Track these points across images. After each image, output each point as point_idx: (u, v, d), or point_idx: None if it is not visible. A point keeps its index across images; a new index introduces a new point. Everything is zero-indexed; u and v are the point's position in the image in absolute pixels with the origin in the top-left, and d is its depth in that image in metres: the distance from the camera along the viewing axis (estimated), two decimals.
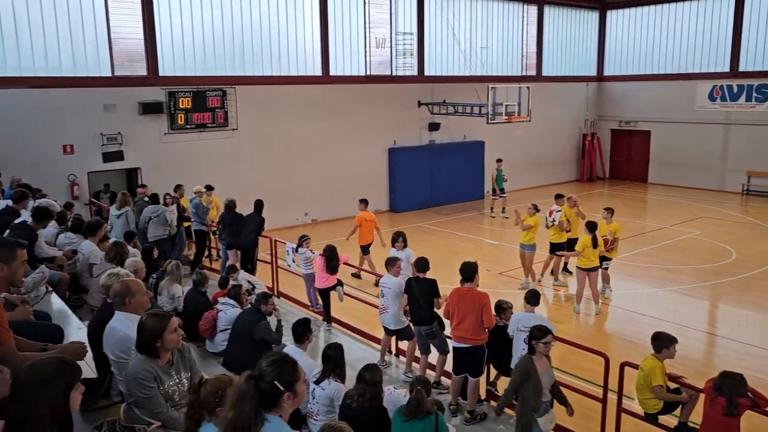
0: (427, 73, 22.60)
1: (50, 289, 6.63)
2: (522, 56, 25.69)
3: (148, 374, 3.80)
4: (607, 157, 28.53)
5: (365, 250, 13.44)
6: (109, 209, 12.86)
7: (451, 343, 7.49)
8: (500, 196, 20.34)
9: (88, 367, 4.66)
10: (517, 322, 7.20)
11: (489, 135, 23.51)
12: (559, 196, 13.42)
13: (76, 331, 5.46)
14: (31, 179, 11.97)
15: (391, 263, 8.25)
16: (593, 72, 28.36)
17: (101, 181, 16.72)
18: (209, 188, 14.15)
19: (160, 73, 16.68)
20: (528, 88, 20.55)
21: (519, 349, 7.10)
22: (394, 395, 5.68)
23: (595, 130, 28.19)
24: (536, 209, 12.82)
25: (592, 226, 11.42)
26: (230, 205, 12.37)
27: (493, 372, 7.95)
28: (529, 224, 12.64)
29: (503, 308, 7.39)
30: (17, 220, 7.39)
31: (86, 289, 7.81)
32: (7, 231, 7.10)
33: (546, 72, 26.51)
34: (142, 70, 16.38)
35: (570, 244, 12.81)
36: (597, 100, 28.37)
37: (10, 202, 8.12)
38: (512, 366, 7.19)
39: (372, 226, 13.42)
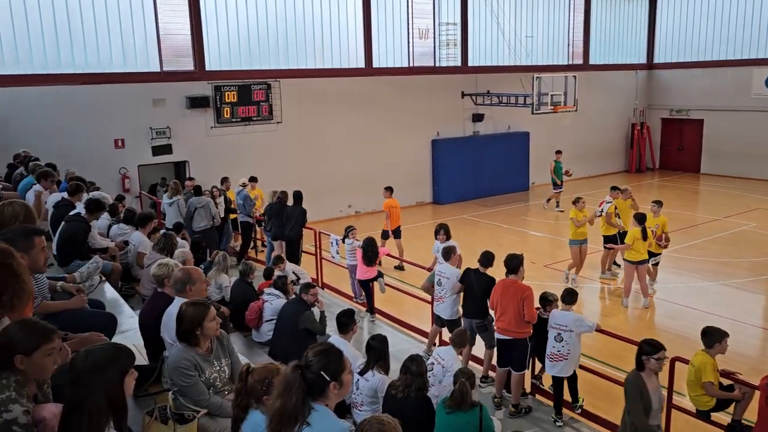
0: (470, 63, 22.38)
1: (104, 278, 6.84)
2: (568, 44, 25.18)
3: (188, 363, 3.88)
4: (657, 147, 27.75)
5: (397, 234, 13.81)
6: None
7: (495, 335, 7.44)
8: (555, 191, 19.56)
9: (140, 355, 4.80)
10: (551, 320, 7.09)
11: (534, 125, 23.16)
12: (614, 188, 12.96)
13: (128, 319, 5.62)
14: (85, 173, 12.36)
15: (451, 252, 8.19)
16: (643, 59, 27.58)
17: (151, 174, 17.14)
18: (253, 180, 14.37)
19: (207, 68, 16.99)
20: (574, 77, 20.14)
21: (549, 347, 7.02)
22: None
23: (645, 120, 27.44)
24: (574, 203, 12.44)
25: (641, 218, 11.13)
26: (276, 197, 12.53)
27: (539, 365, 7.85)
28: (574, 219, 12.29)
29: (549, 300, 7.28)
30: (72, 212, 7.63)
31: (137, 279, 8.04)
32: (63, 223, 7.35)
33: (593, 60, 25.92)
34: (189, 65, 16.71)
35: (622, 237, 12.51)
36: (647, 89, 27.58)
37: (65, 195, 8.39)
38: (545, 364, 7.13)
39: (398, 212, 14.00)
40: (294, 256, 12.05)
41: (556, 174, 19.48)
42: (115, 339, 4.72)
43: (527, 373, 7.50)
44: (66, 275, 6.07)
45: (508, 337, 7.14)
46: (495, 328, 7.35)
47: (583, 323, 7.00)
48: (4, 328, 2.83)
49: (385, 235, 13.73)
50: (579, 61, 25.37)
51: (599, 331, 7.22)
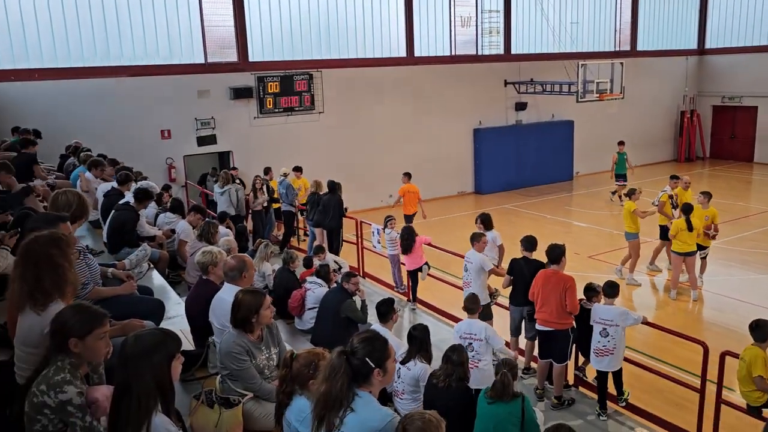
0: (513, 51, 22.07)
1: (152, 266, 7.01)
2: (615, 30, 24.56)
3: (241, 348, 3.97)
4: (708, 135, 26.89)
5: (409, 219, 13.83)
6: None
7: (536, 326, 7.36)
8: (619, 183, 18.38)
9: (186, 340, 4.93)
10: (593, 314, 6.96)
11: (578, 114, 22.72)
12: (674, 177, 12.43)
13: (175, 305, 5.76)
14: (132, 163, 12.67)
15: (476, 238, 8.18)
16: (693, 45, 26.71)
17: (196, 164, 17.46)
18: (297, 170, 14.51)
19: (250, 59, 17.19)
20: (621, 63, 19.66)
21: (595, 342, 6.89)
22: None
23: (695, 107, 26.59)
24: (628, 195, 12.07)
25: (687, 209, 10.80)
26: (319, 186, 12.64)
27: (582, 357, 7.74)
28: (638, 210, 11.90)
29: (596, 291, 7.13)
30: (121, 201, 7.84)
31: (183, 267, 8.23)
32: (113, 212, 7.56)
33: (641, 46, 25.22)
34: (233, 56, 16.93)
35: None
36: (697, 75, 26.72)
37: (114, 184, 8.63)
38: (591, 359, 7.02)
39: (415, 198, 14.08)
40: (334, 245, 12.14)
41: (619, 166, 18.43)
42: (163, 325, 4.85)
43: (570, 364, 7.40)
44: (116, 262, 6.25)
45: (549, 329, 7.05)
46: (535, 319, 7.27)
47: (628, 317, 6.86)
48: (58, 312, 2.94)
49: (408, 220, 13.73)
50: (626, 47, 24.73)
51: (646, 323, 7.07)
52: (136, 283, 5.30)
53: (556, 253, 7.05)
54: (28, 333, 3.19)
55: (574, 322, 7.08)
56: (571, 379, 7.59)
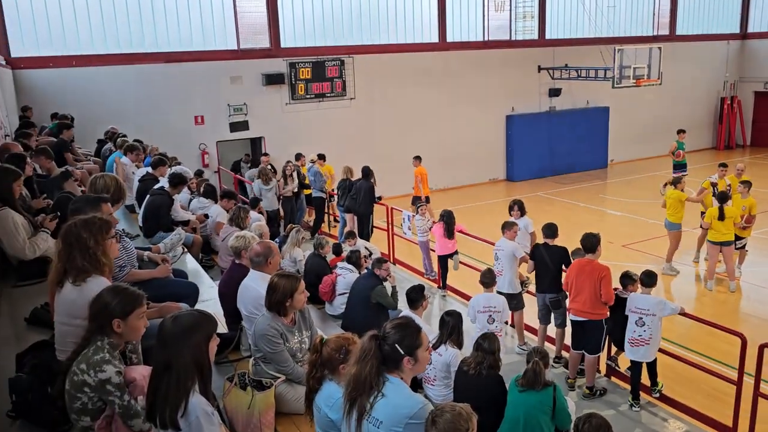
0: (548, 36, 21.72)
1: (186, 250, 7.13)
2: (653, 14, 23.98)
3: (275, 331, 4.02)
4: (749, 122, 26.15)
5: (428, 199, 14.02)
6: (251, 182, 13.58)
7: (568, 316, 7.29)
8: (676, 174, 15.84)
9: (219, 323, 5.00)
10: (629, 303, 6.85)
11: (614, 100, 22.30)
12: (722, 165, 12.09)
13: (209, 289, 5.85)
14: (167, 148, 12.88)
15: (508, 227, 8.15)
16: (735, 29, 25.93)
17: (229, 149, 17.64)
18: (321, 157, 14.57)
19: (282, 45, 17.25)
20: (659, 48, 19.21)
21: (630, 332, 6.79)
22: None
23: (736, 93, 25.87)
24: (673, 183, 11.65)
25: (722, 197, 10.54)
26: (350, 172, 12.67)
27: (615, 347, 7.65)
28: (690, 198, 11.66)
29: (632, 279, 7.01)
30: (156, 186, 7.98)
31: (216, 251, 8.35)
32: (147, 196, 7.70)
33: (680, 31, 24.59)
34: (265, 42, 17.02)
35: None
36: (739, 60, 25.95)
37: (150, 170, 8.77)
38: (625, 350, 6.91)
39: (425, 181, 14.55)
40: (364, 231, 12.17)
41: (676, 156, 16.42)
42: (197, 307, 4.93)
43: (602, 354, 7.32)
44: (151, 246, 6.38)
45: (582, 319, 6.98)
46: (568, 309, 7.19)
47: (666, 306, 6.75)
48: (98, 294, 3.02)
49: (415, 201, 13.69)
50: (665, 31, 24.14)
51: (683, 314, 6.95)
52: (171, 267, 5.39)
53: (592, 242, 6.96)
54: (69, 306, 3.30)
55: (608, 313, 6.99)
56: (603, 369, 7.51)
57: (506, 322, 8.81)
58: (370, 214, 12.44)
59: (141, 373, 2.98)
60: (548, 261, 7.65)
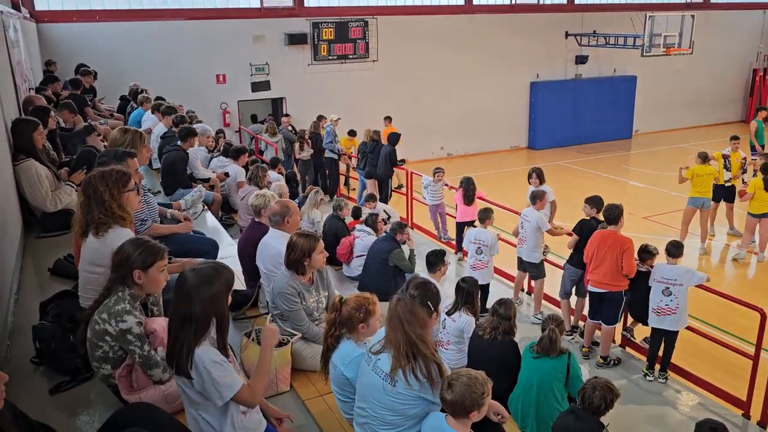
0: (577, 1, 21.20)
1: (206, 207, 7.18)
2: None
3: (293, 290, 4.06)
4: None
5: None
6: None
7: (587, 287, 7.26)
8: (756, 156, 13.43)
9: (238, 280, 5.06)
10: (655, 273, 6.79)
11: (642, 69, 21.81)
12: (734, 138, 11.87)
13: (228, 247, 5.91)
14: (188, 106, 12.89)
15: (538, 196, 8.05)
16: None
17: (250, 109, 17.60)
18: (351, 134, 14.53)
19: (305, 4, 17.04)
20: (692, 16, 18.67)
21: (656, 301, 6.73)
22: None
23: None
24: (706, 158, 11.12)
25: (765, 168, 10.35)
26: (372, 136, 12.60)
27: (631, 318, 7.62)
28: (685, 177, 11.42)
29: (651, 253, 6.95)
30: (171, 144, 7.95)
31: (236, 210, 8.40)
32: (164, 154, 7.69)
33: None
34: (288, 1, 16.80)
35: (727, 192, 11.72)
36: None
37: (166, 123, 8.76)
38: (649, 320, 6.86)
39: None
40: (382, 195, 12.16)
41: (757, 137, 14.82)
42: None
43: (618, 325, 7.31)
44: (172, 203, 6.43)
45: (602, 290, 6.94)
46: (587, 279, 7.15)
47: (694, 275, 6.69)
48: (119, 246, 3.06)
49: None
50: None
51: (701, 287, 6.88)
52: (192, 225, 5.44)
53: (615, 214, 6.88)
54: (92, 255, 3.37)
55: (627, 285, 6.94)
56: (618, 340, 7.51)
57: (523, 290, 8.84)
58: (389, 178, 12.41)
59: (161, 324, 3.03)
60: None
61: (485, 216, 8.11)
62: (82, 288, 3.47)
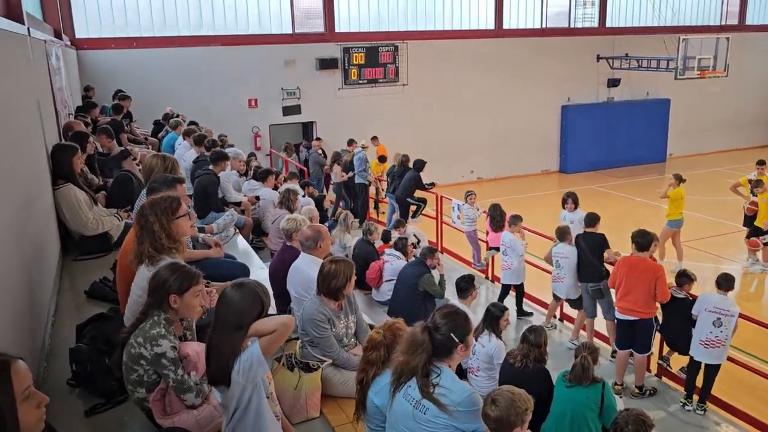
0: (608, 24, 21.16)
1: (237, 231, 7.27)
2: (722, 2, 23.04)
3: (323, 316, 4.06)
4: None
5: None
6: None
7: (616, 314, 7.14)
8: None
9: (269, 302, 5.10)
10: (705, 303, 6.60)
11: (676, 92, 21.59)
12: (761, 163, 11.78)
13: (259, 270, 5.95)
14: (220, 130, 13.12)
15: (567, 232, 7.98)
16: None
17: (281, 133, 17.83)
18: (382, 160, 14.64)
19: (336, 30, 17.33)
20: (727, 39, 18.46)
21: (704, 333, 6.53)
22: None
23: None
24: (680, 180, 11.26)
25: None
26: (401, 160, 12.64)
27: (667, 347, 7.46)
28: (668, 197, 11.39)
29: (690, 278, 6.82)
30: (204, 167, 8.10)
31: (267, 233, 8.48)
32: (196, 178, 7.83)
33: (751, 20, 23.57)
34: (319, 26, 17.13)
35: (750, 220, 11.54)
36: None
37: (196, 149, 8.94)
38: (692, 351, 6.70)
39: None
40: (403, 218, 12.06)
41: None
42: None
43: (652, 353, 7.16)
44: (204, 226, 6.53)
45: (633, 318, 6.81)
46: (617, 307, 7.03)
47: (737, 307, 6.54)
48: (156, 271, 3.13)
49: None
50: (733, 21, 23.19)
51: (742, 316, 6.70)
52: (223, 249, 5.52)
53: (647, 240, 6.79)
54: (143, 281, 3.42)
55: (657, 311, 6.83)
56: (653, 369, 7.35)
57: (555, 316, 8.73)
58: (408, 200, 12.26)
59: (194, 349, 3.08)
60: (587, 249, 7.65)
61: (513, 221, 8.60)
62: (128, 308, 3.55)
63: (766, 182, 11.50)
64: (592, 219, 7.90)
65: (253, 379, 2.70)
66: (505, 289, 8.85)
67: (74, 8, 14.67)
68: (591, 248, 7.65)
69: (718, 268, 11.31)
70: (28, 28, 5.41)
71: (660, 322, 6.99)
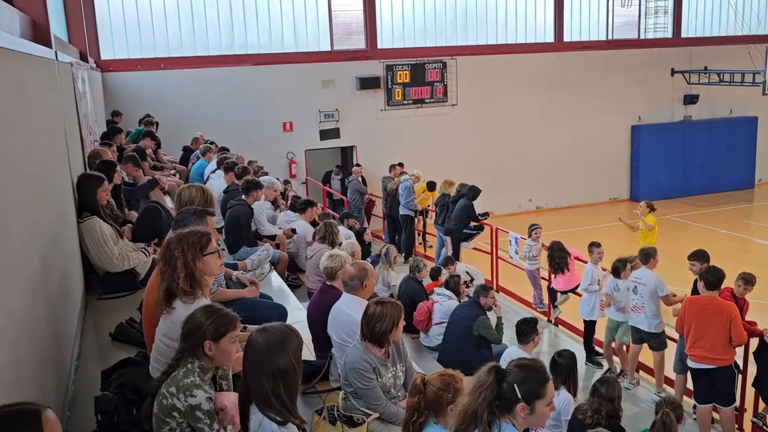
0: (684, 34, 20.98)
1: (272, 267, 7.36)
2: None
3: (367, 365, 4.06)
4: None
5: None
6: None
7: (688, 364, 6.93)
8: None
9: (307, 350, 5.13)
10: None
11: (764, 109, 21.15)
12: None
13: (295, 311, 6.01)
14: (253, 156, 13.39)
15: (651, 254, 7.84)
16: None
17: (318, 159, 18.07)
18: (431, 187, 14.58)
19: (379, 46, 17.60)
20: None
21: None
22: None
23: None
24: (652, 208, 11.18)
25: None
26: (457, 189, 12.57)
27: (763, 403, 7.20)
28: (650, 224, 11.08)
29: None
30: (236, 198, 8.25)
31: (303, 270, 8.54)
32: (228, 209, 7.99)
33: None
34: (360, 43, 17.42)
35: None
36: None
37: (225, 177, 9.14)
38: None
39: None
40: (454, 251, 12.02)
41: None
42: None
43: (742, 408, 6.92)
44: (237, 262, 6.63)
45: (709, 366, 6.61)
46: (688, 355, 6.84)
47: None
48: (190, 314, 3.18)
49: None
50: None
51: None
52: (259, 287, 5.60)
53: (717, 278, 6.63)
54: (170, 326, 3.47)
55: (735, 357, 6.63)
56: (747, 429, 7.09)
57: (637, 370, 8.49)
58: (460, 234, 12.20)
59: (231, 400, 3.11)
60: None
61: (590, 250, 8.85)
62: (153, 357, 3.62)
63: None
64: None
65: None
66: None
67: (100, 28, 15.26)
68: None
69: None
70: (56, 52, 5.66)
71: (740, 368, 6.77)
